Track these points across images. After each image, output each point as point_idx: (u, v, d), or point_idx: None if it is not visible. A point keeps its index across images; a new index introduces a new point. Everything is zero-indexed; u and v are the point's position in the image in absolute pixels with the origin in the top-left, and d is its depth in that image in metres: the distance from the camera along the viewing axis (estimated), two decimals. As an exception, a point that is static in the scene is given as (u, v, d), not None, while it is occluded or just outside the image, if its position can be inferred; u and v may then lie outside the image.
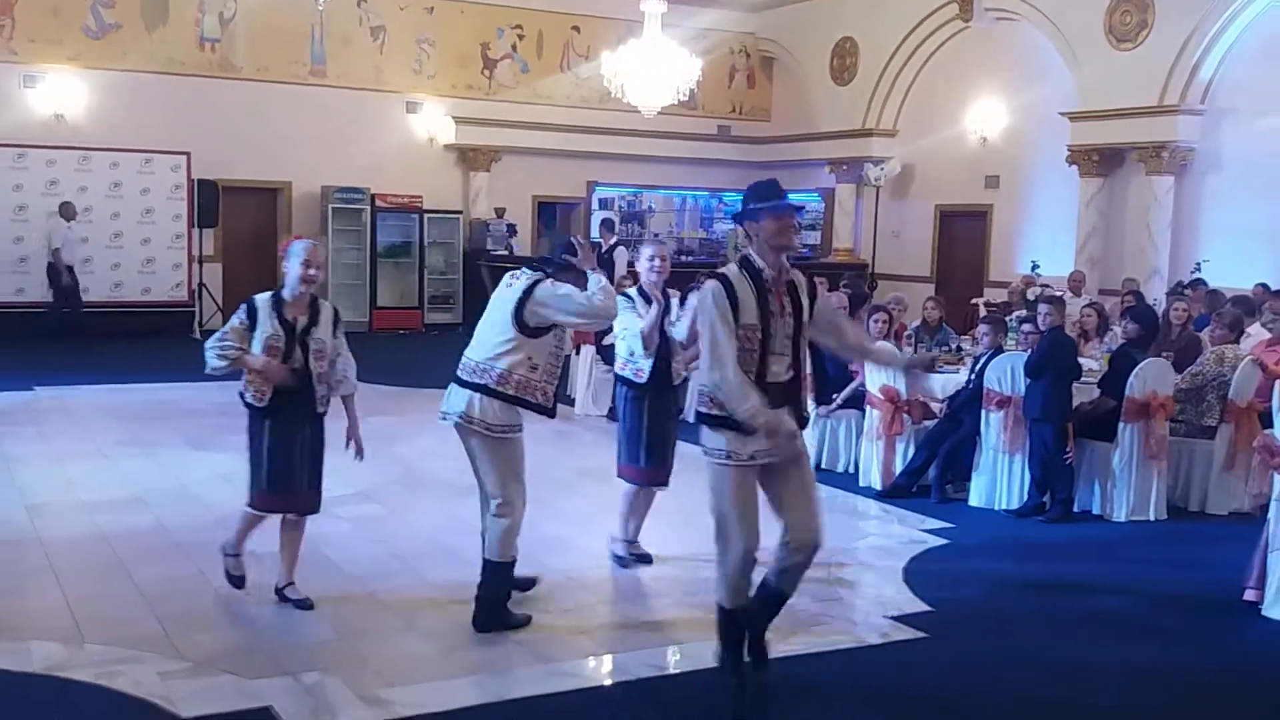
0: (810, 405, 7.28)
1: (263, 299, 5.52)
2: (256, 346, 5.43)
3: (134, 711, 4.44)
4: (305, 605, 5.61)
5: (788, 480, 4.68)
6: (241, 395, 5.53)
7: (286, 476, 5.54)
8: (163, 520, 7.10)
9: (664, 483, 6.49)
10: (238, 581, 5.73)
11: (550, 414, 5.44)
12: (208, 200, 17.04)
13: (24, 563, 6.22)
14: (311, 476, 5.64)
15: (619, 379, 6.57)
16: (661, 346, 6.32)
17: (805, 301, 4.73)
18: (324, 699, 4.58)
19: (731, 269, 4.67)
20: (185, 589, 5.86)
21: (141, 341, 15.58)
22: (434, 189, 19.22)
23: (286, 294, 5.50)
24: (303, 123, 18.22)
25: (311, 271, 5.48)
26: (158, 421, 10.25)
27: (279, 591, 5.67)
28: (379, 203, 18.61)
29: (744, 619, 4.86)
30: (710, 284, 4.60)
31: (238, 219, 17.57)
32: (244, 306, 5.52)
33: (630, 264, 14.86)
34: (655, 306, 6.31)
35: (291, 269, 5.48)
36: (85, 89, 17.04)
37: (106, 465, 8.61)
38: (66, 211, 15.95)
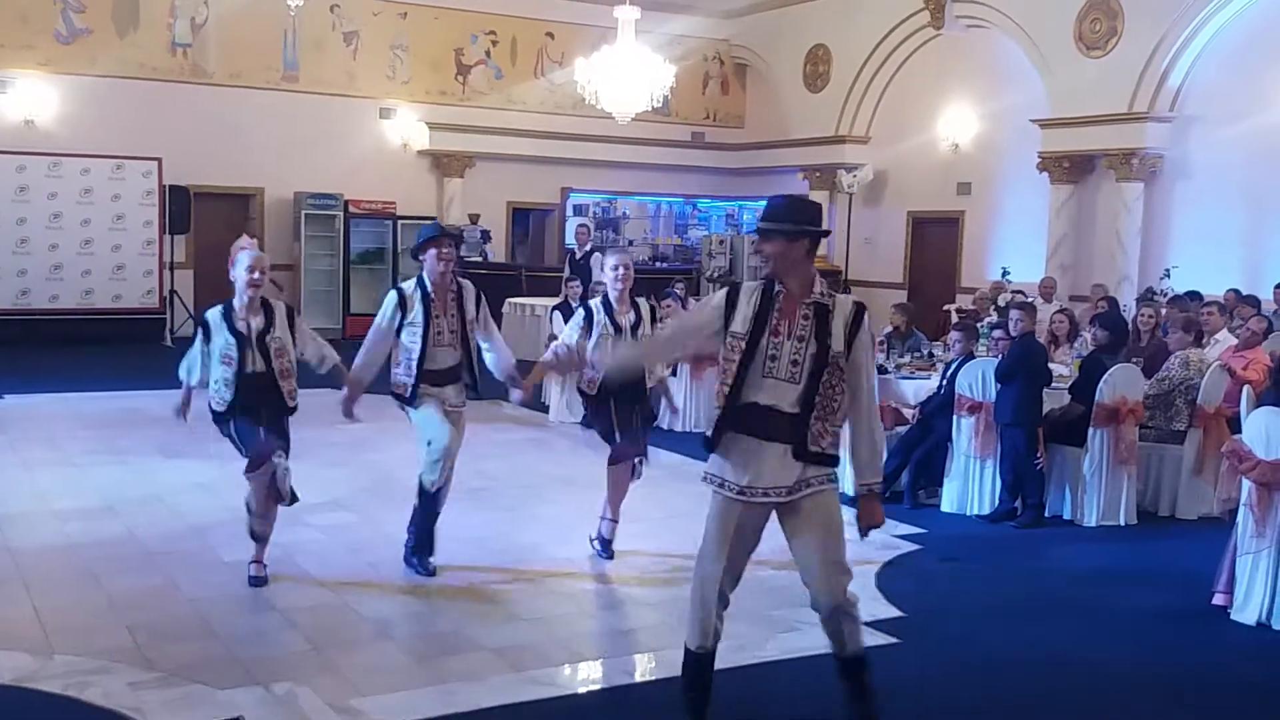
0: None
1: (213, 314, 5.84)
2: (214, 359, 5.75)
3: (104, 723, 4.41)
4: (257, 583, 5.94)
5: (796, 531, 4.25)
6: (209, 405, 5.84)
7: (255, 441, 5.80)
8: (134, 530, 7.05)
9: (630, 457, 6.52)
10: (259, 537, 5.99)
11: (406, 401, 6.11)
12: (179, 206, 16.95)
13: (-7, 573, 6.17)
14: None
15: (579, 390, 6.69)
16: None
17: (839, 330, 4.16)
18: (296, 709, 4.56)
19: (751, 282, 4.32)
20: (156, 599, 5.82)
21: (112, 349, 15.46)
22: (408, 195, 19.17)
23: (236, 303, 5.78)
24: (275, 128, 18.15)
25: (256, 276, 5.77)
26: (129, 430, 10.18)
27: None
28: (352, 209, 18.54)
29: (707, 671, 4.40)
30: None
31: (210, 225, 17.46)
32: (199, 326, 5.88)
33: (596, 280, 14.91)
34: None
35: (239, 278, 5.78)
36: (56, 94, 16.93)
37: (77, 474, 8.55)
38: (252, 229, 16.50)
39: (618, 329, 6.40)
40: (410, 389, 6.07)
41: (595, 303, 6.53)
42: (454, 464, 6.23)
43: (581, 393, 6.65)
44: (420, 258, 6.04)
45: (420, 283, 6.06)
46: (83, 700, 4.57)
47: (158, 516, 7.37)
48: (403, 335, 6.07)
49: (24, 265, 16.21)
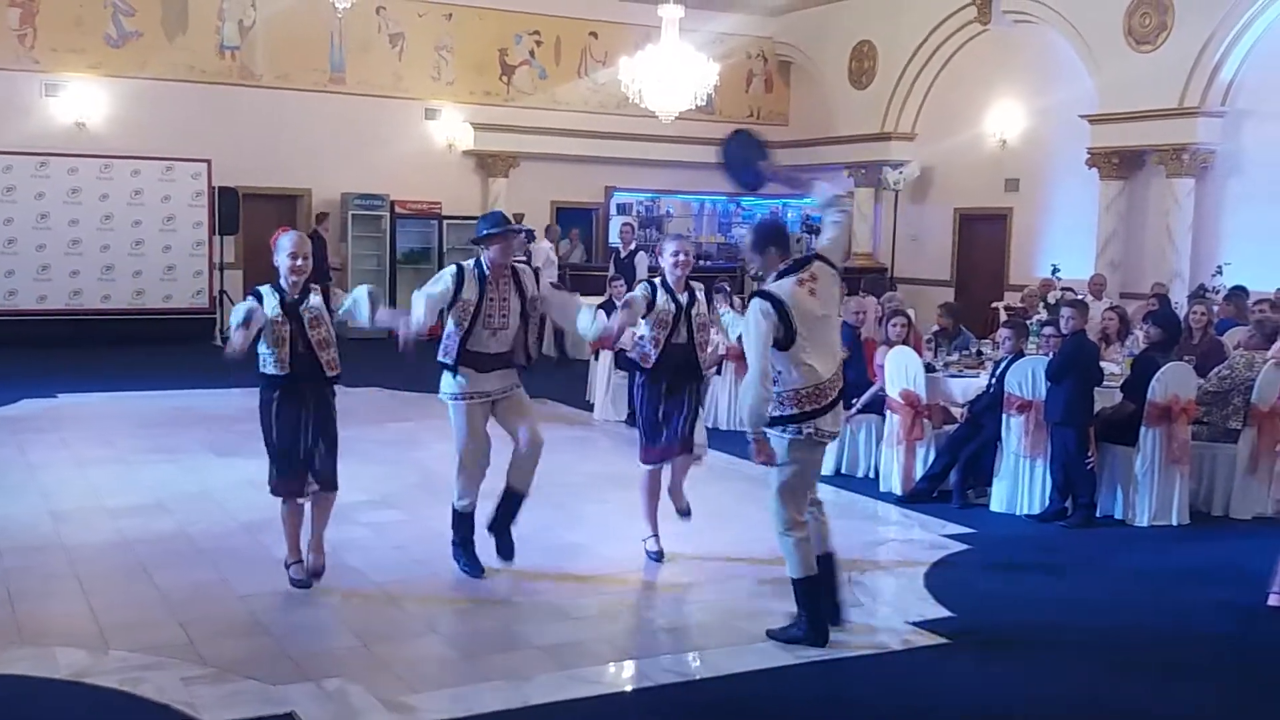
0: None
1: (264, 288, 5.79)
2: (265, 331, 5.67)
3: (158, 718, 4.46)
4: (312, 576, 5.90)
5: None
6: (261, 371, 5.75)
7: (299, 457, 5.76)
8: (185, 527, 7.13)
9: (664, 456, 6.53)
10: (301, 584, 5.90)
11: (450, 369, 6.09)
12: (228, 207, 17.13)
13: (48, 569, 6.26)
14: (325, 454, 5.82)
15: (631, 363, 6.67)
16: (676, 338, 6.40)
17: None
18: (347, 704, 4.59)
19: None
20: (208, 595, 5.89)
21: (163, 348, 15.66)
22: (453, 195, 19.26)
23: (284, 284, 5.76)
24: (322, 130, 18.31)
25: (299, 262, 5.74)
26: (180, 428, 10.30)
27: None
28: (398, 209, 18.67)
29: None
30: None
31: (258, 226, 17.57)
32: (250, 295, 5.79)
33: (650, 267, 14.88)
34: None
35: (281, 263, 5.75)
36: (106, 97, 17.16)
37: (129, 471, 8.66)
38: (550, 235, 17.19)
39: (677, 306, 6.40)
40: (454, 358, 6.05)
41: (656, 281, 6.52)
42: (538, 444, 6.20)
43: (634, 364, 6.59)
44: (485, 247, 6.08)
45: (479, 264, 6.10)
46: (137, 695, 4.63)
47: (209, 514, 7.45)
48: (452, 313, 6.03)
49: (76, 266, 16.45)
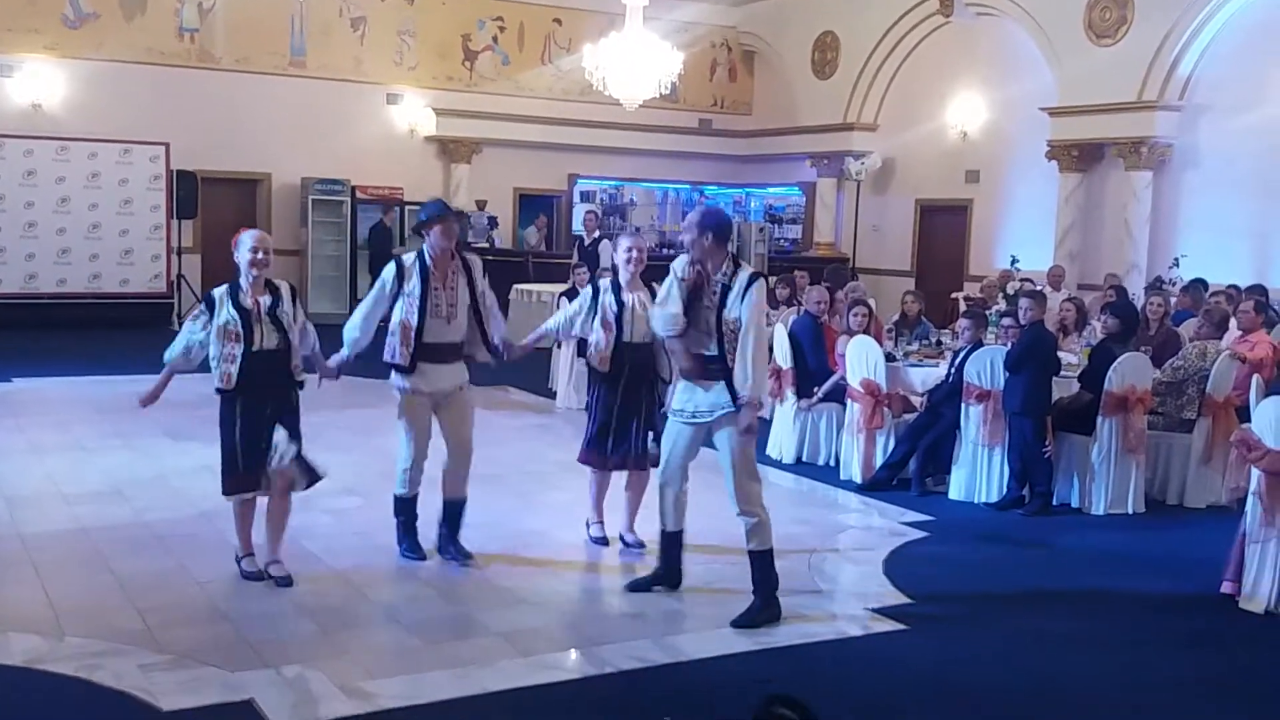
0: (791, 398, 8.98)
1: (219, 290, 5.76)
2: (217, 335, 5.65)
3: (115, 704, 4.43)
4: (285, 582, 5.79)
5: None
6: (215, 386, 5.72)
7: (258, 456, 5.68)
8: (142, 513, 7.08)
9: (617, 467, 6.51)
10: (255, 576, 5.85)
11: (406, 370, 6.04)
12: (187, 191, 16.96)
13: (3, 555, 6.18)
14: (297, 452, 5.75)
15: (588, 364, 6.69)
16: (628, 338, 6.32)
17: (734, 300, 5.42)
18: (306, 691, 4.58)
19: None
20: (166, 582, 5.84)
21: (120, 333, 15.49)
22: (414, 181, 19.14)
23: (243, 283, 5.72)
24: (282, 114, 18.16)
25: (260, 256, 5.72)
26: (137, 413, 10.05)
27: (264, 569, 5.87)
28: (359, 194, 18.55)
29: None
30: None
31: (217, 210, 17.48)
32: (203, 301, 5.78)
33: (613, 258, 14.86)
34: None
35: (241, 258, 5.73)
36: (63, 78, 16.94)
37: (85, 457, 8.57)
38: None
39: (622, 307, 6.31)
40: (410, 359, 6.00)
41: (604, 282, 6.46)
42: (468, 454, 6.23)
43: (590, 369, 6.54)
44: (425, 233, 6.04)
45: (420, 256, 6.04)
46: (93, 682, 4.59)
47: (166, 500, 7.39)
48: (398, 307, 6.02)
49: (32, 249, 16.24)
